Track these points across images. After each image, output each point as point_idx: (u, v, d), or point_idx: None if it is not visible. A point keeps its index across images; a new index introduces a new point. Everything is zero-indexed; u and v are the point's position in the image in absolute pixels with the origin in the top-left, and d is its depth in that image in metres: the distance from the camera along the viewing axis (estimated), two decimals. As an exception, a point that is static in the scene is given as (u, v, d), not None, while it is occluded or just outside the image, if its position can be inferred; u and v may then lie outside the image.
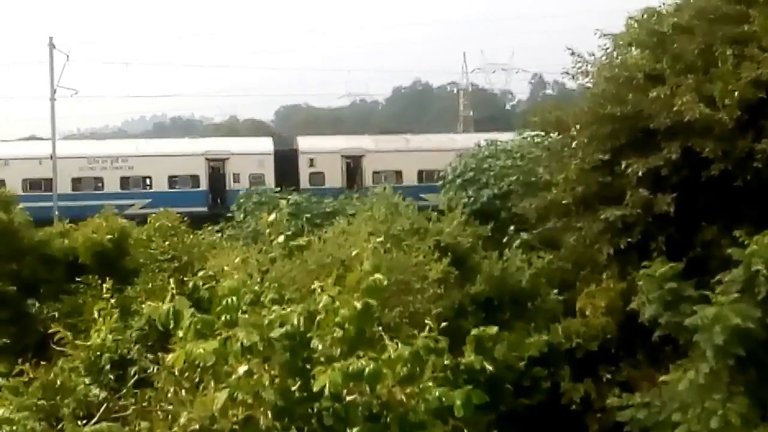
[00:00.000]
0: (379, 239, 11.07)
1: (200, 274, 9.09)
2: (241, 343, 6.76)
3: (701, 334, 14.65)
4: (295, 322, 6.90)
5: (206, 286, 8.27)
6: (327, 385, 6.41)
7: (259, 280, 8.50)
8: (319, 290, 7.18)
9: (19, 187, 42.87)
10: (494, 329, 8.13)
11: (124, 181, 50.36)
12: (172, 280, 7.56)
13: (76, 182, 48.49)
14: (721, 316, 14.37)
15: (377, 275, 7.02)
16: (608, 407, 16.97)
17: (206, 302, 7.87)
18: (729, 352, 14.34)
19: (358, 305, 6.84)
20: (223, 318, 7.08)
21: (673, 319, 15.59)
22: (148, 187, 50.11)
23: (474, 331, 7.86)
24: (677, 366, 15.71)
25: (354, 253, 8.51)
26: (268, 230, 10.21)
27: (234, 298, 7.15)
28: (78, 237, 24.76)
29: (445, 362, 7.39)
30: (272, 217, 10.33)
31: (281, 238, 9.73)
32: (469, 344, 7.75)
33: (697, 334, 14.74)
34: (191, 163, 51.43)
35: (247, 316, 7.14)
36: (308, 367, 6.90)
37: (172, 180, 50.99)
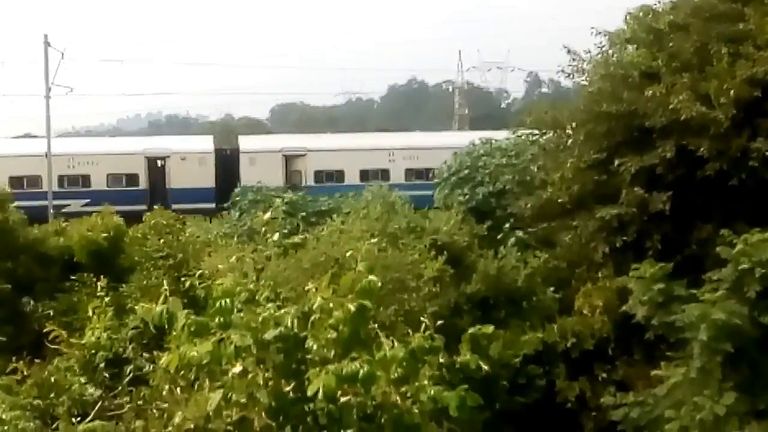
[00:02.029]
0: (375, 240, 11.09)
1: (197, 273, 9.08)
2: (235, 345, 6.75)
3: (689, 332, 14.75)
4: (289, 324, 6.88)
5: (202, 285, 8.26)
6: (320, 388, 6.40)
7: (254, 278, 8.49)
8: (313, 291, 7.17)
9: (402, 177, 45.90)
10: (490, 328, 8.13)
11: None
12: (165, 281, 7.55)
13: None
14: (707, 313, 14.46)
15: (371, 277, 7.00)
16: (603, 406, 17.01)
17: (202, 300, 7.86)
18: (716, 349, 14.43)
19: (352, 307, 6.83)
20: (217, 320, 7.06)
21: (664, 319, 15.66)
22: None
23: (470, 330, 7.85)
24: (668, 364, 15.78)
25: (348, 253, 8.50)
26: (263, 228, 10.18)
27: (228, 300, 7.13)
28: (73, 235, 24.75)
29: (441, 361, 7.38)
30: (267, 215, 10.30)
31: (276, 236, 9.71)
32: (465, 343, 7.74)
33: (687, 332, 14.84)
34: None
35: (241, 316, 7.13)
36: (302, 368, 6.89)
37: None
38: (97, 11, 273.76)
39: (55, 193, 46.30)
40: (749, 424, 14.24)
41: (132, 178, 48.87)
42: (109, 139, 61.89)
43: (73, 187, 47.51)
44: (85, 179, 48.53)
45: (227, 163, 49.22)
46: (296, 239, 11.77)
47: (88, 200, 42.28)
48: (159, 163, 50.05)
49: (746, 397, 14.50)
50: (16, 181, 43.42)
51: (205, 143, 52.47)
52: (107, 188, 46.88)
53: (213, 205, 43.65)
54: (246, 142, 51.90)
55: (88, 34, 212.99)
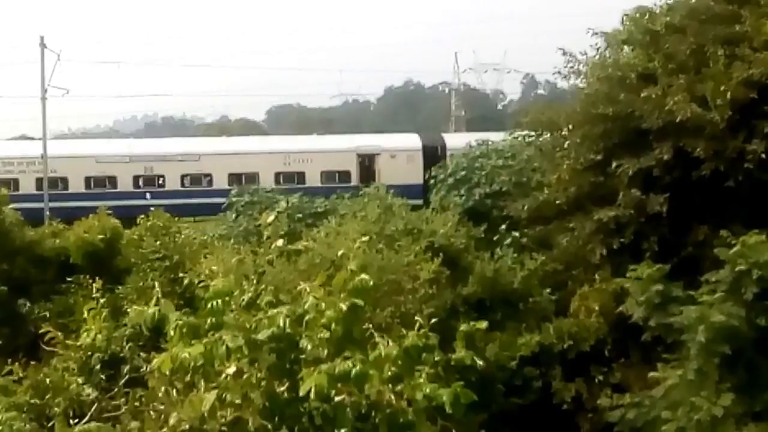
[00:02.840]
0: (366, 238, 11.04)
1: (196, 274, 9.06)
2: (227, 347, 6.72)
3: (687, 334, 14.76)
4: (281, 324, 6.85)
5: (201, 284, 8.23)
6: (313, 388, 6.38)
7: (255, 282, 8.45)
8: (306, 291, 7.14)
9: None
10: (484, 324, 8.09)
11: None
12: (157, 284, 7.53)
13: None
14: (705, 315, 14.46)
15: (363, 275, 6.97)
16: (600, 407, 17.00)
17: (198, 301, 7.84)
18: (714, 351, 14.43)
19: (344, 306, 6.80)
20: (209, 321, 7.02)
21: (661, 320, 15.67)
22: None
23: (463, 327, 7.80)
24: (665, 365, 15.77)
25: (340, 253, 8.46)
26: (266, 231, 10.08)
27: (220, 301, 7.10)
28: (69, 237, 24.69)
29: (436, 358, 7.35)
30: (271, 218, 10.23)
31: (280, 242, 9.64)
32: (459, 340, 7.69)
33: (684, 334, 14.84)
34: None
35: (236, 318, 7.10)
36: (296, 368, 6.86)
37: None
38: (93, 13, 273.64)
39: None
40: (746, 426, 14.25)
41: (344, 175, 49.88)
42: (319, 137, 62.97)
43: (288, 184, 47.71)
44: (300, 176, 49.59)
45: (434, 161, 49.89)
46: (300, 245, 11.68)
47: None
48: (369, 160, 51.11)
49: (743, 398, 14.50)
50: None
51: (413, 140, 53.70)
52: (320, 185, 47.46)
53: (420, 201, 43.87)
54: (452, 140, 52.83)
55: (84, 36, 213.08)
